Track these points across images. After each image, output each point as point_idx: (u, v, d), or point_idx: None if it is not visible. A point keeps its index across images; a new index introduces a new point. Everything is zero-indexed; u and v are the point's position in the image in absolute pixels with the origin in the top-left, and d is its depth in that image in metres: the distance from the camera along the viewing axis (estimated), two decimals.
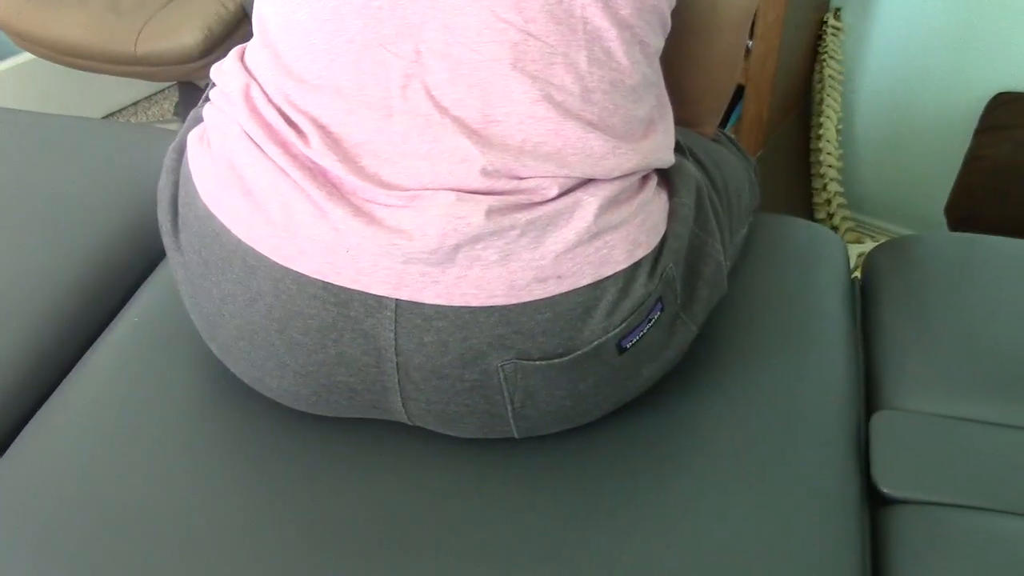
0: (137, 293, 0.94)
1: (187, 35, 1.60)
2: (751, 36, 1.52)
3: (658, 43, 0.72)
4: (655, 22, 0.71)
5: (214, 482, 0.74)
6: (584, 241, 0.65)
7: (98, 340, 0.88)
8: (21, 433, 0.80)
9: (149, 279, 0.95)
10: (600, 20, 0.66)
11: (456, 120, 0.64)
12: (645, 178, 0.72)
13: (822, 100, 1.74)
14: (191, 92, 1.99)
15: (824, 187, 1.79)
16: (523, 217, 0.64)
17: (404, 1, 0.65)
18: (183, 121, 0.82)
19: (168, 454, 0.76)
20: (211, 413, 0.79)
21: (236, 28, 1.67)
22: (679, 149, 0.79)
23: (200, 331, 0.77)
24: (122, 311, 0.91)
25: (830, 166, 1.77)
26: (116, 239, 0.99)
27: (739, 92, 1.63)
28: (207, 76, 0.77)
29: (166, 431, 0.78)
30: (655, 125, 0.73)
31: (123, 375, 0.83)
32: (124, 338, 0.87)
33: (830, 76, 1.72)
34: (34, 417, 0.81)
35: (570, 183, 0.66)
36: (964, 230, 1.37)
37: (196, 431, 0.78)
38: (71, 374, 0.85)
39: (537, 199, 0.64)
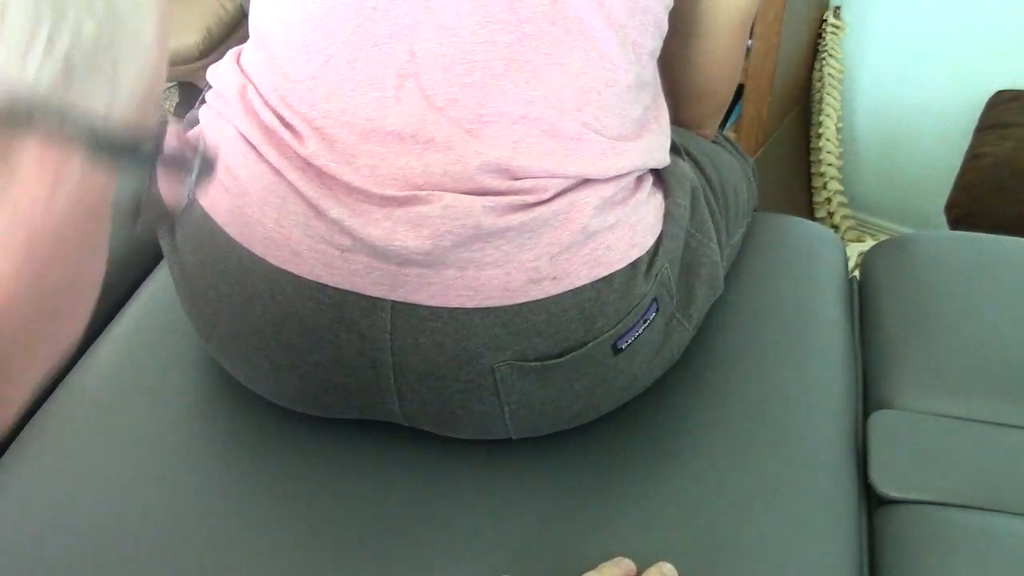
0: (135, 294, 0.94)
1: (186, 36, 1.60)
2: (751, 35, 1.52)
3: (653, 44, 0.72)
4: (649, 23, 0.70)
5: (210, 482, 0.74)
6: (579, 242, 0.65)
7: (96, 341, 0.88)
8: (20, 434, 0.80)
9: (147, 280, 0.95)
10: (594, 20, 0.66)
11: (451, 120, 0.64)
12: (640, 179, 0.72)
13: (822, 99, 1.74)
14: (191, 93, 2.00)
15: (824, 186, 1.79)
16: (518, 218, 0.64)
17: (398, 1, 0.65)
18: (183, 121, 0.82)
19: (165, 454, 0.76)
20: (208, 413, 0.79)
21: (235, 29, 1.67)
22: (675, 149, 0.79)
23: (197, 332, 0.77)
24: (120, 312, 0.91)
25: (830, 164, 1.77)
26: (114, 240, 0.99)
27: (738, 91, 1.62)
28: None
29: (163, 431, 0.78)
30: (650, 125, 0.73)
31: (121, 376, 0.83)
32: (122, 339, 0.87)
33: (830, 75, 1.72)
34: (33, 418, 0.81)
35: (565, 184, 0.65)
36: (964, 228, 1.37)
37: (193, 431, 0.78)
38: (69, 375, 0.85)
39: (532, 200, 0.64)
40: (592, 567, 0.64)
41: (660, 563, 0.64)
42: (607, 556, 0.66)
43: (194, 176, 0.30)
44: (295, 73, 0.67)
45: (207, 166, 0.31)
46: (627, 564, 0.64)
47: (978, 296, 0.90)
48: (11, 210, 0.24)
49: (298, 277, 0.66)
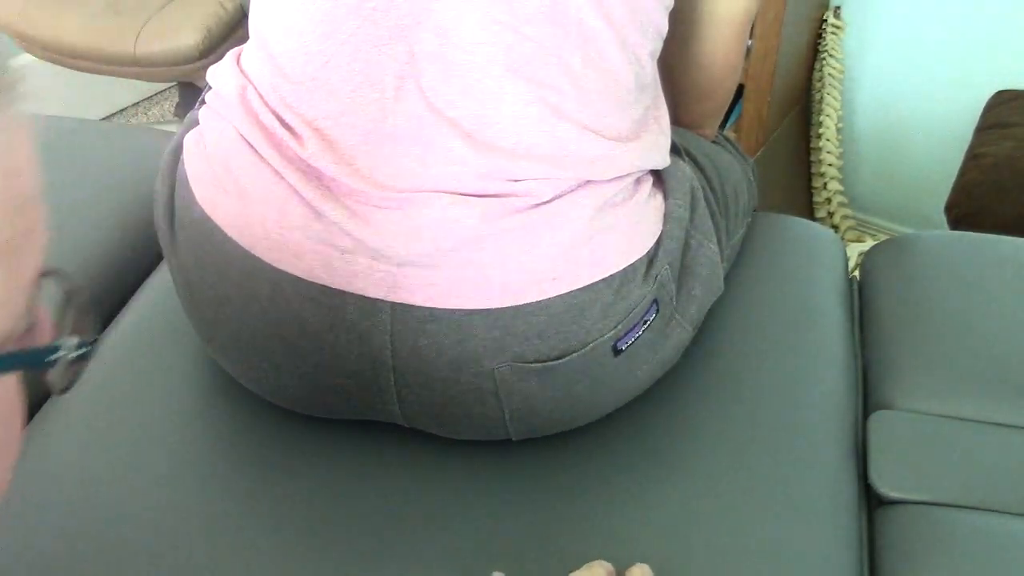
0: (135, 294, 0.94)
1: (186, 36, 1.60)
2: (751, 35, 1.51)
3: (653, 45, 0.72)
4: (648, 24, 0.70)
5: (210, 482, 0.74)
6: (579, 243, 0.65)
7: (96, 341, 0.88)
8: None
9: (148, 280, 0.96)
10: (594, 21, 0.66)
11: (450, 122, 0.64)
12: (640, 180, 0.72)
13: (822, 99, 1.74)
14: (191, 93, 1.99)
15: (824, 186, 1.79)
16: (517, 219, 0.64)
17: (398, 2, 0.65)
18: (183, 122, 0.82)
19: (165, 454, 0.76)
20: (208, 414, 0.79)
21: (235, 29, 1.67)
22: (675, 150, 0.79)
23: (197, 332, 0.77)
24: (120, 312, 0.92)
25: (830, 164, 1.77)
26: (115, 240, 0.99)
27: (739, 91, 1.62)
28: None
29: (163, 431, 0.78)
30: (649, 126, 0.73)
31: (121, 376, 0.83)
32: (122, 339, 0.87)
33: (830, 74, 1.72)
34: (33, 419, 0.81)
35: (565, 185, 0.66)
36: (965, 228, 1.37)
37: (193, 432, 0.78)
38: None
39: (532, 201, 0.64)
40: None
41: (640, 564, 0.64)
42: (606, 556, 0.66)
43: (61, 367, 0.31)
44: (295, 74, 0.67)
45: (83, 355, 0.32)
46: (608, 567, 0.63)
47: (978, 296, 0.90)
48: None
49: (298, 278, 0.66)
